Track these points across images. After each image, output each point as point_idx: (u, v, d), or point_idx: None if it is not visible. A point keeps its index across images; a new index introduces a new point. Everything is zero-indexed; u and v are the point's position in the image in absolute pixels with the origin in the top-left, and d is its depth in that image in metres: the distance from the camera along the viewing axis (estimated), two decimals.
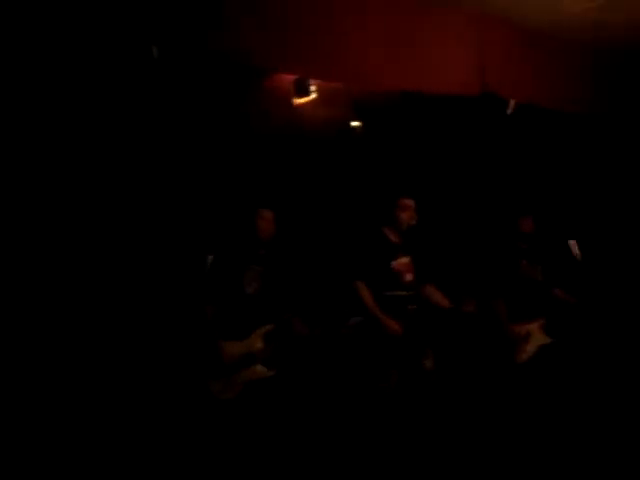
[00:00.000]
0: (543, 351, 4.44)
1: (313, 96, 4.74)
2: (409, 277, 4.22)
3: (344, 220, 4.87)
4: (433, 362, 4.25)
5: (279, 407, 3.88)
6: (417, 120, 5.20)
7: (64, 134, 4.03)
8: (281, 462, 3.61)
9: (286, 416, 3.88)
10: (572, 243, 4.53)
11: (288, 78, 4.64)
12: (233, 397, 3.79)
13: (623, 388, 4.38)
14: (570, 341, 4.50)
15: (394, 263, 4.17)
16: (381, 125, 5.18)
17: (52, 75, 3.92)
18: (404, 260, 4.22)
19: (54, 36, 3.18)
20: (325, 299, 4.46)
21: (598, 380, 4.42)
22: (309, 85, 4.69)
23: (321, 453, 3.75)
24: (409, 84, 4.11)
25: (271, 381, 3.87)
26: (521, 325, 4.47)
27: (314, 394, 4.11)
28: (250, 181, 4.64)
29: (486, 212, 5.26)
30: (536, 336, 4.47)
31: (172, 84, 4.32)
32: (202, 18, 3.26)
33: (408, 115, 5.15)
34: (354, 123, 5.24)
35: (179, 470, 3.52)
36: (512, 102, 4.58)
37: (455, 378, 4.53)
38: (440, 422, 4.04)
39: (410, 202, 4.21)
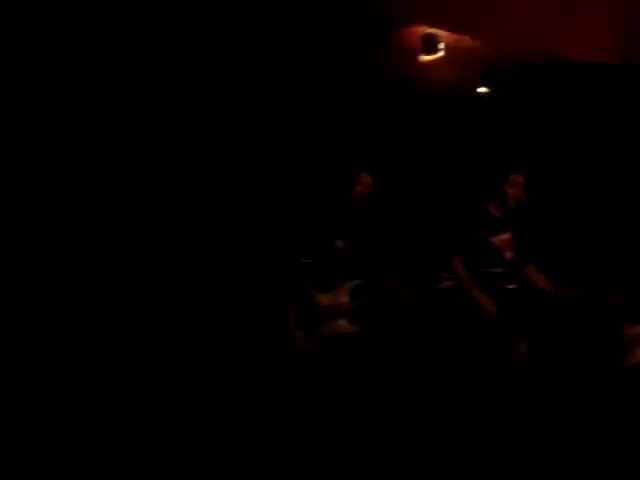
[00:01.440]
0: None
1: (441, 54, 4.52)
2: (509, 254, 4.03)
3: (451, 189, 4.68)
4: (527, 348, 4.05)
5: (357, 365, 3.87)
6: (548, 91, 4.85)
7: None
8: (347, 422, 3.62)
9: (362, 376, 3.87)
10: None
11: (416, 33, 4.46)
12: (311, 348, 3.83)
13: None
14: None
15: (494, 239, 3.99)
16: (509, 94, 4.88)
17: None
18: (505, 236, 4.03)
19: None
20: (417, 261, 4.34)
21: None
22: (437, 42, 4.47)
23: (392, 419, 3.76)
24: (552, 47, 3.96)
25: (353, 338, 3.86)
26: (635, 325, 4.10)
27: (396, 358, 4.07)
28: (361, 138, 4.58)
29: (610, 195, 4.88)
30: None
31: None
32: None
33: (539, 85, 4.81)
34: (481, 89, 4.96)
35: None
36: None
37: (550, 369, 4.36)
38: (524, 412, 3.85)
39: (520, 179, 4.01)
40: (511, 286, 4.00)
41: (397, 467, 3.29)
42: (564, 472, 3.43)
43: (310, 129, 4.62)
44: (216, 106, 4.41)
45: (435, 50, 4.49)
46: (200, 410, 3.64)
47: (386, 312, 4.08)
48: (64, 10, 3.85)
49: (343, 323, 3.85)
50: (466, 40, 4.24)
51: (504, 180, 3.99)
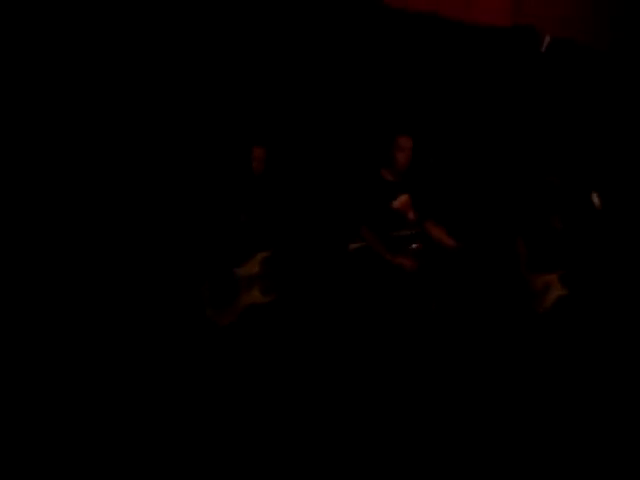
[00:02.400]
0: (561, 303, 4.33)
1: None
2: (411, 215, 4.12)
3: (345, 157, 4.74)
4: (436, 303, 4.20)
5: (278, 332, 3.94)
6: (438, 53, 4.92)
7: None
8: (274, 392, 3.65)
9: (284, 343, 3.95)
10: (594, 195, 4.33)
11: None
12: (229, 322, 3.84)
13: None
14: (588, 294, 4.41)
15: (394, 202, 4.06)
16: (402, 58, 4.90)
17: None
18: (404, 199, 4.10)
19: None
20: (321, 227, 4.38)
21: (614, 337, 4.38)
22: None
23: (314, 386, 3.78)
24: (445, 8, 3.97)
25: (270, 306, 3.91)
26: (540, 275, 4.38)
27: (314, 323, 4.10)
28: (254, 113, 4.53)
29: (503, 155, 5.08)
30: (554, 287, 4.36)
31: None
32: None
33: (430, 48, 4.87)
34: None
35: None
36: (547, 38, 4.29)
37: (464, 322, 4.54)
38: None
39: (407, 141, 4.05)
40: (415, 245, 4.08)
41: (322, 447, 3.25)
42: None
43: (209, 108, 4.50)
44: None
45: None
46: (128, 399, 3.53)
47: (299, 278, 4.11)
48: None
49: (257, 293, 3.88)
50: None
51: (392, 145, 4.03)
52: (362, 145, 4.71)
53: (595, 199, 4.35)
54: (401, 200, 4.09)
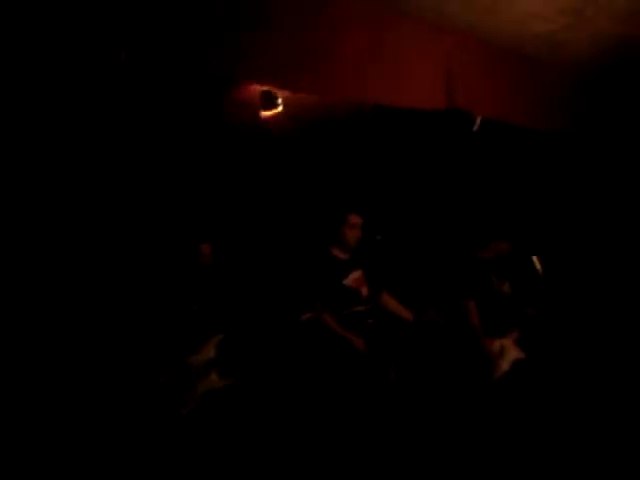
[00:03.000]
0: (518, 366, 4.39)
1: (279, 109, 4.73)
2: (364, 291, 4.21)
3: (294, 240, 4.88)
4: (395, 375, 4.25)
5: (239, 415, 3.91)
6: (382, 136, 5.20)
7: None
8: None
9: (247, 424, 3.90)
10: (535, 259, 4.53)
11: (256, 90, 4.63)
12: (191, 410, 3.84)
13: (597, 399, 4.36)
14: (543, 355, 4.47)
15: (346, 280, 4.14)
16: (345, 141, 5.15)
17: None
18: (356, 275, 4.20)
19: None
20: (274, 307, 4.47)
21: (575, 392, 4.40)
22: (275, 98, 4.69)
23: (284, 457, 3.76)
24: (378, 97, 4.11)
25: (229, 389, 3.94)
26: (495, 340, 4.42)
27: (275, 400, 4.12)
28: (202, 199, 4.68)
29: (450, 227, 5.28)
30: (510, 351, 4.41)
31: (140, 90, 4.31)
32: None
33: (373, 130, 5.14)
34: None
35: None
36: (478, 119, 4.57)
37: (425, 390, 4.48)
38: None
39: (358, 219, 4.19)
40: (370, 321, 4.16)
41: None
42: None
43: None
44: None
45: (274, 105, 4.72)
46: None
47: (254, 360, 4.16)
48: None
49: (214, 378, 3.92)
50: (300, 95, 4.41)
51: (342, 222, 4.16)
52: (309, 225, 4.82)
53: (537, 263, 4.54)
54: (354, 277, 4.18)
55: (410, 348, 4.54)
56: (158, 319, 4.04)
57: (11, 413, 3.60)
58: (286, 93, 4.60)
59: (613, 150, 4.98)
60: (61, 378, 3.97)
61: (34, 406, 3.74)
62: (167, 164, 4.63)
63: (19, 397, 3.74)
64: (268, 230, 4.93)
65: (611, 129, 4.90)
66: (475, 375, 4.43)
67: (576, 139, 4.96)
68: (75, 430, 3.77)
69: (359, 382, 4.04)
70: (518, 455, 3.85)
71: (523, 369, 4.37)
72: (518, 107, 4.51)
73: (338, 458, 3.74)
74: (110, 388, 3.98)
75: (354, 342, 4.00)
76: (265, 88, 4.55)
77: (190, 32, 3.28)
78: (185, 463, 3.65)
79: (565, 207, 5.31)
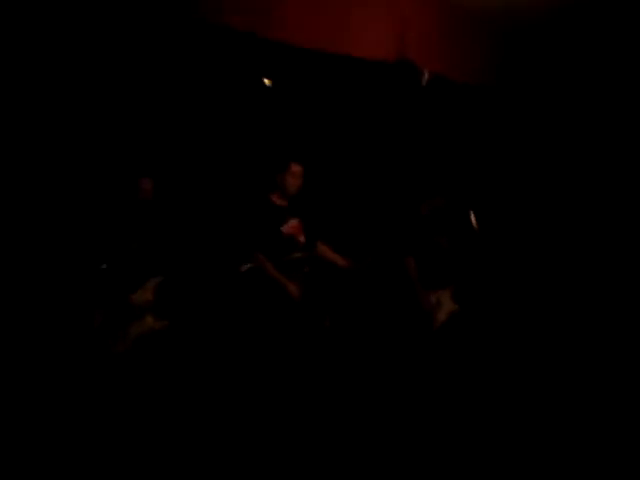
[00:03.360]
0: (453, 318, 4.55)
1: None
2: (302, 239, 4.26)
3: (235, 182, 4.84)
4: (329, 321, 4.38)
5: (173, 359, 3.94)
6: (330, 85, 5.15)
7: None
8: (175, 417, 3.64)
9: (180, 369, 3.94)
10: (471, 214, 4.65)
11: None
12: (124, 350, 3.83)
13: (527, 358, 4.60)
14: (478, 308, 4.68)
15: (285, 227, 4.18)
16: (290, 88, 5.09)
17: None
18: (294, 223, 4.23)
19: None
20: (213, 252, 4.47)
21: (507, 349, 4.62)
22: None
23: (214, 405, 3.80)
24: (329, 44, 4.09)
25: (164, 332, 3.94)
26: (431, 292, 4.57)
27: (211, 346, 4.16)
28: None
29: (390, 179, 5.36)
30: (446, 303, 4.57)
31: None
32: None
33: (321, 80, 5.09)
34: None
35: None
36: (427, 73, 4.57)
37: (359, 337, 4.68)
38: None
39: (299, 167, 4.19)
40: (306, 268, 4.23)
41: None
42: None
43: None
44: None
45: None
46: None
47: (192, 303, 4.17)
48: None
49: (150, 320, 3.91)
50: None
51: (284, 170, 4.17)
52: (249, 170, 4.81)
53: (472, 218, 4.66)
54: (291, 224, 4.21)
55: (345, 295, 4.69)
56: (96, 255, 3.96)
57: None
58: None
59: (542, 106, 5.08)
60: None
61: None
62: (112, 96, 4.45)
63: None
64: (211, 171, 4.84)
65: (538, 89, 5.00)
66: (414, 326, 4.57)
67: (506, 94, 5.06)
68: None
69: (293, 327, 4.14)
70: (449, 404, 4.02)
71: (458, 320, 4.55)
72: (459, 62, 4.56)
73: (268, 408, 3.81)
74: (43, 324, 3.96)
75: (288, 287, 4.07)
76: None
77: None
78: (114, 406, 3.65)
79: (497, 162, 5.43)
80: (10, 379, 3.65)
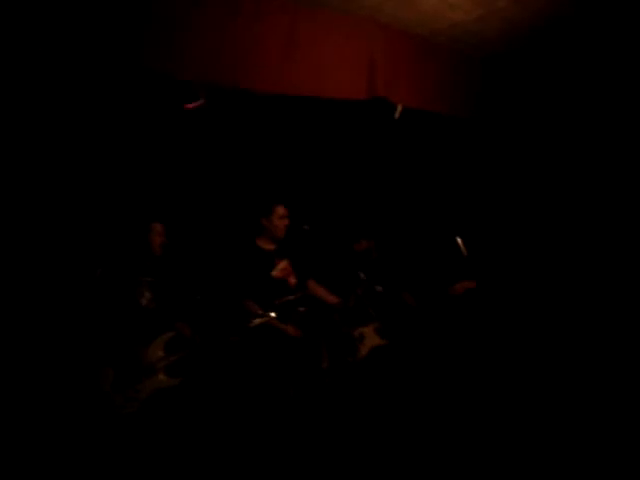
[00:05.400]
0: (375, 352, 4.65)
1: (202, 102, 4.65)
2: (293, 280, 4.30)
3: (222, 232, 4.85)
4: (328, 362, 4.41)
5: (186, 416, 3.90)
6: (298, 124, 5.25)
7: None
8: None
9: (193, 425, 3.91)
10: (459, 240, 4.74)
11: None
12: (136, 410, 3.74)
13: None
14: (403, 343, 4.78)
15: (275, 271, 4.22)
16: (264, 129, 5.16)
17: None
18: (282, 265, 4.28)
19: None
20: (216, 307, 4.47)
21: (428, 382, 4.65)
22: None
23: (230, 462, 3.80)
24: (301, 88, 4.14)
25: (176, 390, 3.87)
26: (360, 327, 4.70)
27: (222, 400, 4.14)
28: (140, 194, 4.56)
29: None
30: (370, 338, 4.69)
31: None
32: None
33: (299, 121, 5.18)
34: None
35: None
36: (399, 107, 4.67)
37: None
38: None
39: (284, 210, 4.25)
40: (302, 309, 4.30)
41: None
42: None
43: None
44: None
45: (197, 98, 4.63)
46: None
47: (204, 360, 4.14)
48: None
49: (162, 378, 3.84)
50: None
51: (270, 213, 4.21)
52: (233, 216, 4.84)
53: (460, 244, 4.75)
54: (281, 267, 4.26)
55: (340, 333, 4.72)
56: (105, 311, 3.90)
57: None
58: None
59: (517, 137, 5.22)
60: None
61: None
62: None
63: None
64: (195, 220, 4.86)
65: (516, 116, 5.14)
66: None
67: (483, 125, 5.19)
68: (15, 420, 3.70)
69: (294, 369, 4.17)
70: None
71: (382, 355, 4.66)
72: (432, 95, 4.65)
73: (276, 447, 3.87)
74: (53, 381, 3.90)
75: (288, 330, 4.10)
76: None
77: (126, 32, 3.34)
78: (127, 464, 3.61)
79: (477, 190, 5.54)
80: (16, 443, 3.63)
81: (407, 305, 4.99)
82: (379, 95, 4.33)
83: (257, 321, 3.98)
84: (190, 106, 4.62)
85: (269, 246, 4.28)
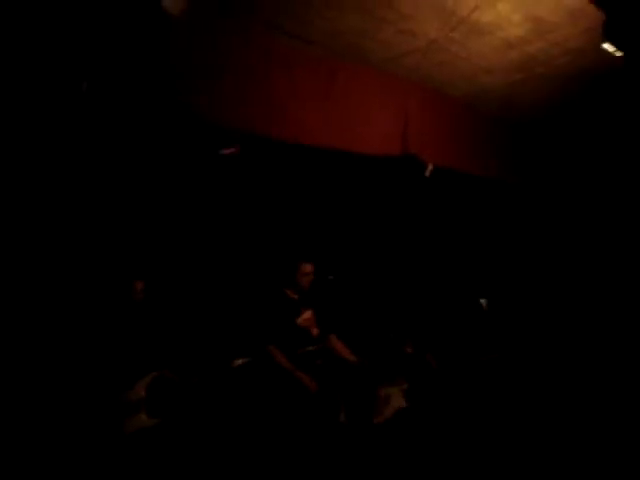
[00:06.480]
0: (399, 415, 4.50)
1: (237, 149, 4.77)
2: (315, 330, 4.29)
3: (246, 282, 4.88)
4: (345, 415, 4.32)
5: (167, 455, 3.79)
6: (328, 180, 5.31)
7: None
8: None
9: (175, 465, 3.79)
10: (483, 302, 4.70)
11: None
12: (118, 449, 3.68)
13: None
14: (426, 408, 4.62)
15: (299, 320, 4.23)
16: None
17: None
18: (307, 315, 4.29)
19: None
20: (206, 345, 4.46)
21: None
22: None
23: None
24: (340, 144, 4.24)
25: (156, 430, 3.82)
26: (387, 387, 4.57)
27: (203, 441, 4.08)
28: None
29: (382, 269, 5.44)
30: (396, 399, 4.56)
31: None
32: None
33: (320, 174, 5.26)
34: None
35: None
36: (430, 165, 4.73)
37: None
38: None
39: (309, 267, 4.31)
40: (319, 361, 4.21)
41: None
42: None
43: None
44: None
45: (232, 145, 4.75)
46: None
47: (183, 400, 4.11)
48: None
49: (143, 417, 3.83)
50: None
51: (295, 269, 4.28)
52: (265, 269, 4.87)
53: (484, 303, 4.71)
54: (305, 316, 4.25)
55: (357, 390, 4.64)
56: (91, 354, 3.91)
57: None
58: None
59: (551, 199, 5.22)
60: None
61: None
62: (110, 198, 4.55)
63: None
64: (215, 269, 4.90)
65: (550, 180, 5.15)
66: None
67: (518, 188, 5.20)
68: None
69: (310, 421, 4.10)
70: None
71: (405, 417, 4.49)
72: (468, 157, 4.72)
73: None
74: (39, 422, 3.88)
75: (304, 380, 4.05)
76: None
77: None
78: None
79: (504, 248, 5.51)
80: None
81: (430, 367, 4.90)
82: (410, 152, 4.39)
83: (239, 362, 3.99)
84: (227, 152, 4.72)
85: (295, 295, 4.32)
